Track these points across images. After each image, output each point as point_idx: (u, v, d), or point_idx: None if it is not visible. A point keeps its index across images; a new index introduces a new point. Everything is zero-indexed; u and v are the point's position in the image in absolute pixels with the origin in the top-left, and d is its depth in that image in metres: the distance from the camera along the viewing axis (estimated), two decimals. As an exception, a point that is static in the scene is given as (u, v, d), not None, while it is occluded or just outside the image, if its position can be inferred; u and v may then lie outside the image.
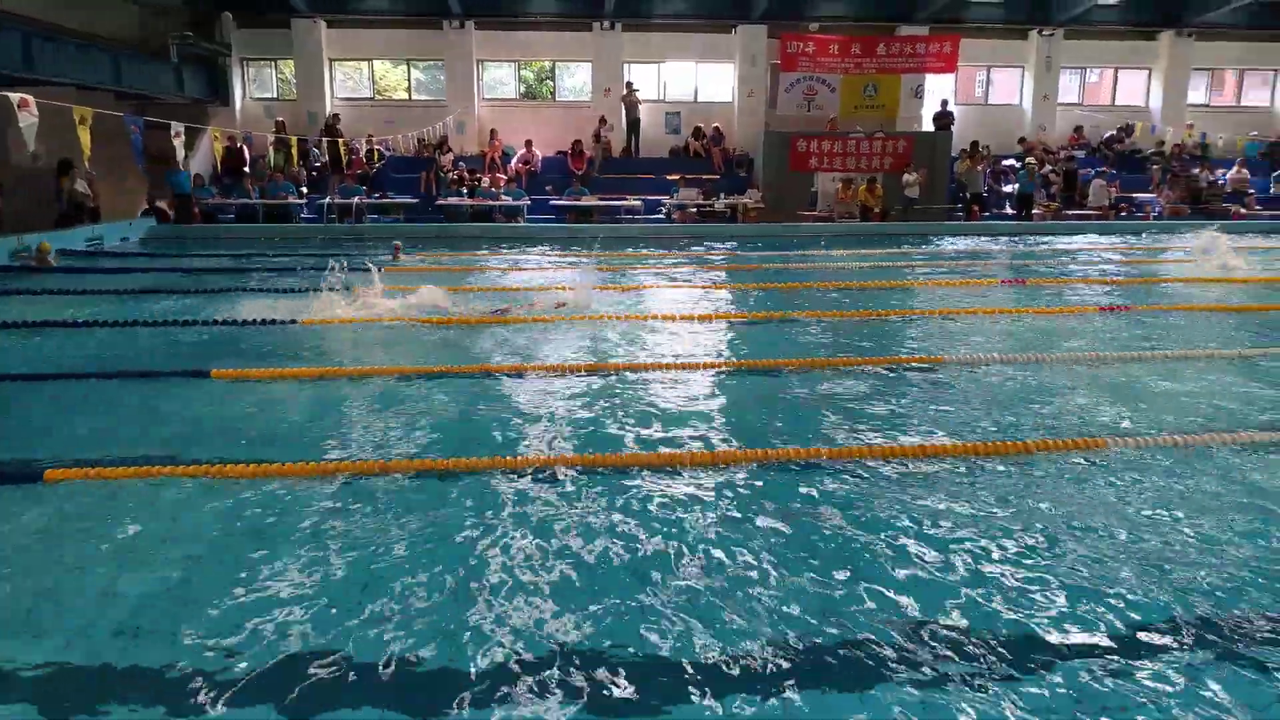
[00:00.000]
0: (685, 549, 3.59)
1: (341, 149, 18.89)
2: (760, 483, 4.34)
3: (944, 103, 21.10)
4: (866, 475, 4.44)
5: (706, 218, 18.88)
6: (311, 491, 4.13)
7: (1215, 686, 2.69)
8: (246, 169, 18.99)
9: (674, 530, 3.76)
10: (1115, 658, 2.84)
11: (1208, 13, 21.12)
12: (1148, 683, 2.71)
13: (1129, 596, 3.21)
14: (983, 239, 16.87)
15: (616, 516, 3.90)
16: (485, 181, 19.07)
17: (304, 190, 18.80)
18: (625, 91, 21.17)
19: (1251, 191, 20.96)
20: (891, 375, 6.45)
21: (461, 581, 3.28)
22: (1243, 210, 20.20)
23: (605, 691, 2.67)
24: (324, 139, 19.25)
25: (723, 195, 19.35)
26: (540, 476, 4.35)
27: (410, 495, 4.13)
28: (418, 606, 3.10)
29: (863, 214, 18.72)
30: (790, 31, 20.62)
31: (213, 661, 2.78)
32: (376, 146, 19.99)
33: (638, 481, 4.32)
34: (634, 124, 21.25)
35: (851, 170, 19.24)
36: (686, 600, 3.17)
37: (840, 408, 5.60)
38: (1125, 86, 23.37)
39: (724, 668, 2.78)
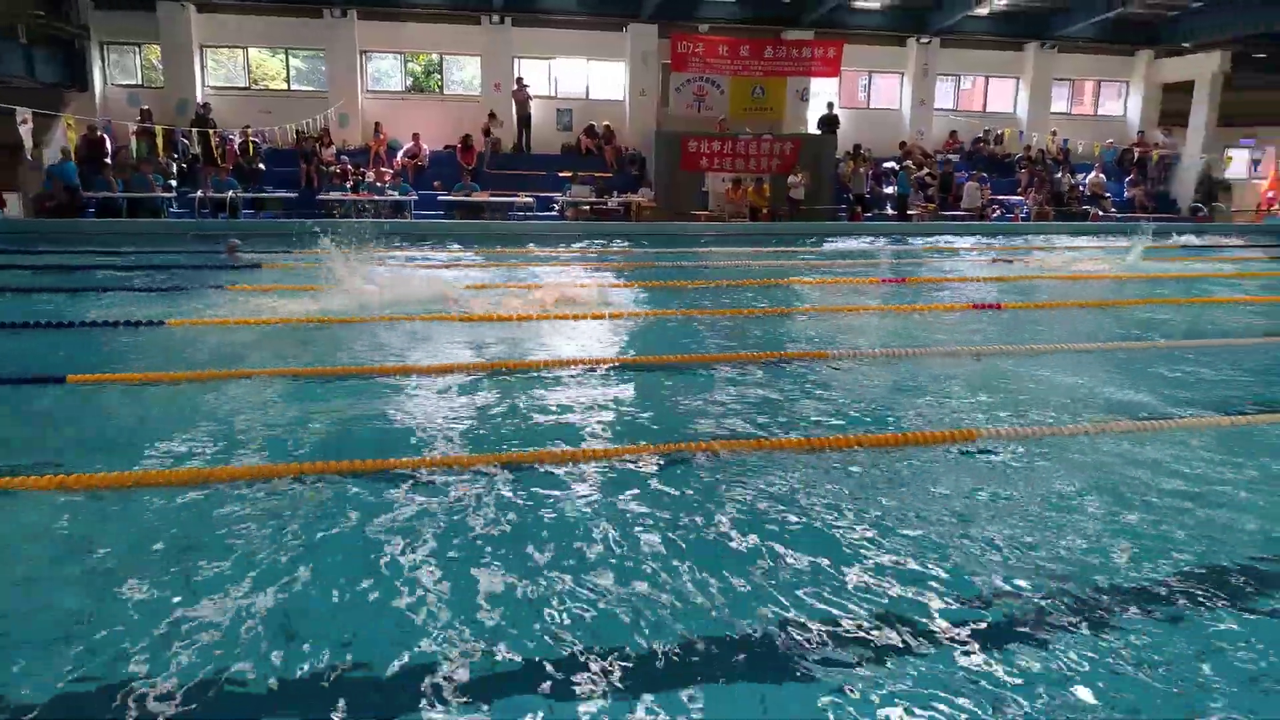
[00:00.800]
0: (572, 545, 3.55)
1: (213, 140, 17.96)
2: (651, 477, 4.33)
3: (830, 105, 21.66)
4: (754, 467, 4.48)
5: (600, 215, 18.82)
6: (174, 499, 3.89)
7: (1073, 660, 2.80)
8: (108, 160, 17.82)
9: (562, 527, 3.72)
10: (1006, 640, 2.92)
11: (1068, 27, 22.35)
12: (1030, 661, 2.80)
13: (999, 577, 3.34)
14: (865, 239, 17.42)
15: (503, 514, 3.84)
16: (370, 176, 18.49)
17: (173, 183, 17.78)
18: (515, 87, 20.89)
19: (1107, 195, 22.34)
20: (777, 370, 6.52)
21: (349, 586, 3.14)
22: (1099, 212, 21.52)
23: (489, 693, 2.61)
24: (194, 129, 18.25)
25: (616, 193, 19.33)
26: (419, 478, 4.23)
27: (279, 500, 3.92)
28: (298, 616, 2.92)
29: (752, 214, 19.03)
30: (680, 32, 20.78)
31: (39, 671, 2.57)
32: (252, 139, 19.09)
33: (528, 478, 4.25)
34: (525, 120, 21.00)
35: (741, 171, 19.53)
36: (572, 596, 3.13)
37: (731, 402, 5.65)
38: (996, 94, 24.55)
39: (611, 662, 2.74)
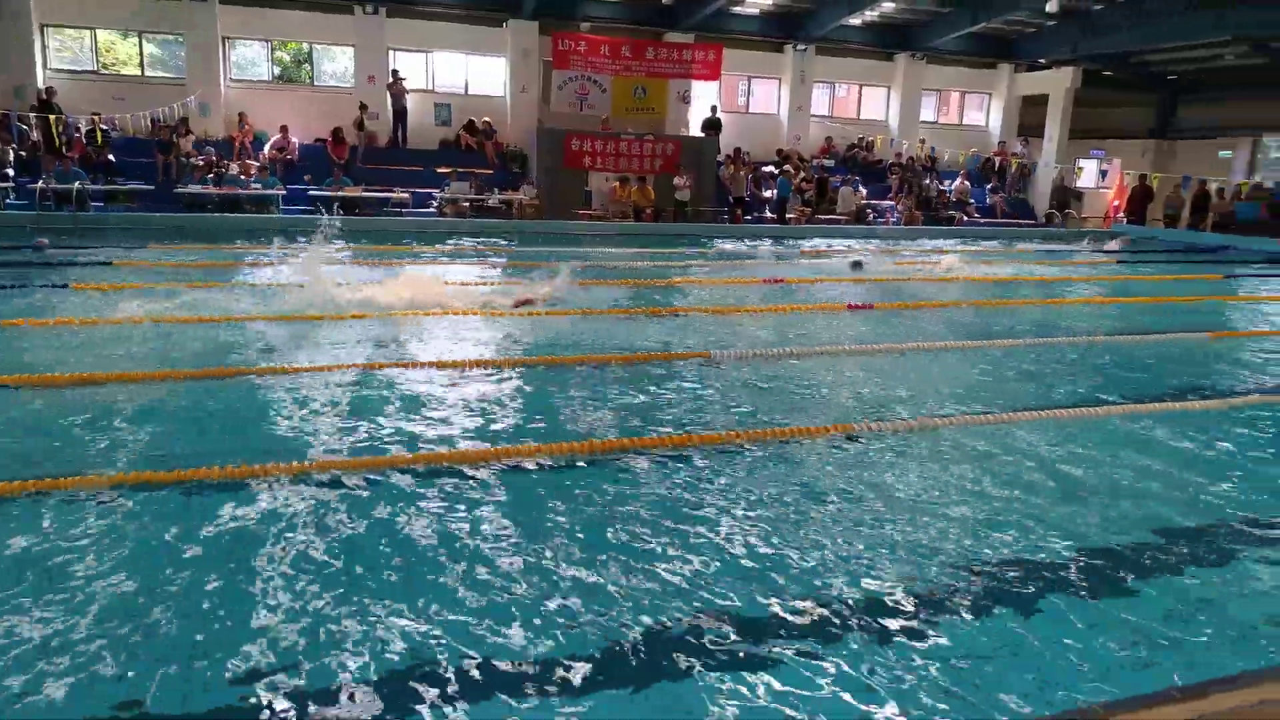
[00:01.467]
0: (452, 549, 3.42)
1: (55, 127, 16.66)
2: (534, 478, 4.22)
3: (714, 109, 21.87)
4: (639, 467, 4.40)
5: (480, 213, 18.43)
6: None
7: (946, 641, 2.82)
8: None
9: (441, 531, 3.59)
10: (892, 626, 2.92)
11: (935, 40, 23.29)
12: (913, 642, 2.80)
13: (880, 566, 3.38)
14: (746, 241, 17.67)
15: (382, 519, 3.68)
16: (234, 169, 17.54)
17: (10, 172, 16.39)
18: (391, 80, 20.23)
19: (971, 201, 23.40)
20: (662, 369, 6.47)
21: (222, 599, 2.86)
22: (964, 217, 22.52)
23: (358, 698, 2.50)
24: (34, 115, 16.88)
25: (496, 190, 18.98)
26: (290, 482, 4.00)
27: (139, 507, 3.61)
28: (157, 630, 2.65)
29: (636, 214, 19.01)
30: (561, 30, 20.57)
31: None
32: (101, 126, 17.79)
33: (408, 482, 4.06)
34: (400, 113, 20.37)
35: (624, 170, 19.49)
36: (458, 599, 3.00)
37: (613, 403, 5.55)
38: (869, 102, 25.36)
39: (495, 665, 2.61)
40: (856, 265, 12.79)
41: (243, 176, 17.36)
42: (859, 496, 4.17)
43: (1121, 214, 23.87)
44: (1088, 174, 25.38)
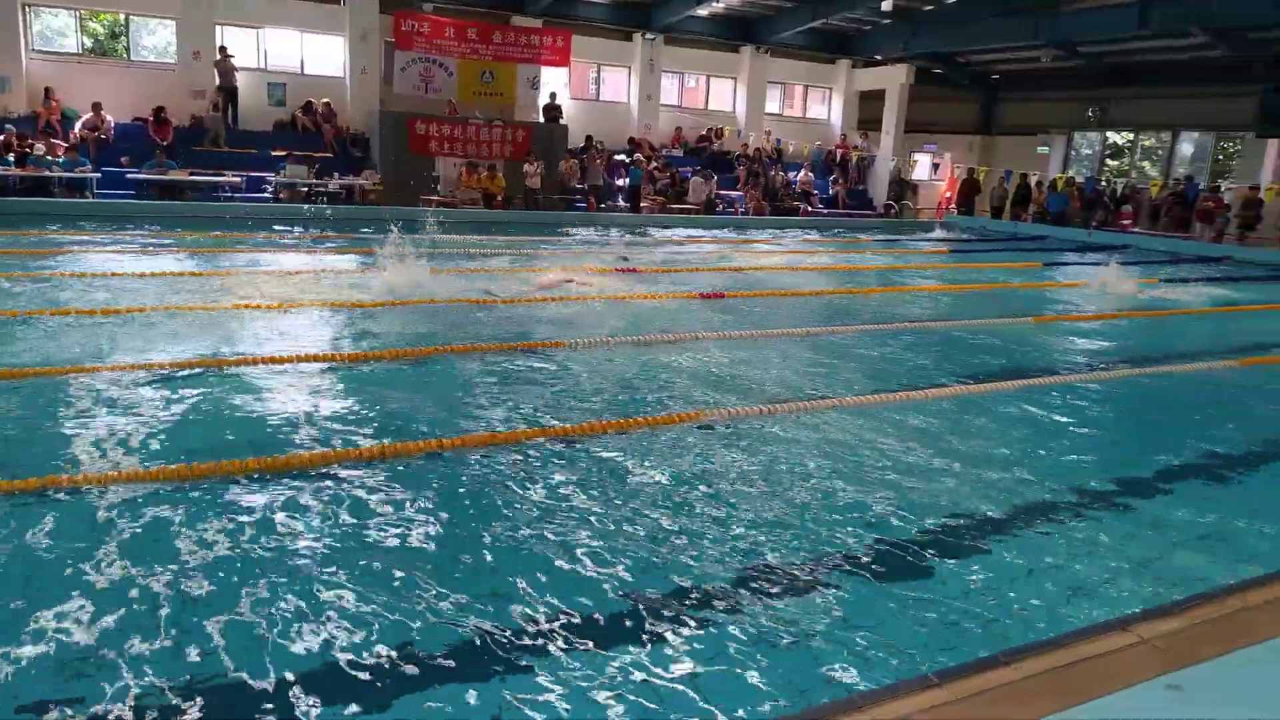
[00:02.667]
0: (308, 552, 3.21)
1: None
2: (384, 476, 3.96)
3: (553, 95, 21.63)
4: (493, 460, 4.22)
5: (319, 199, 17.54)
6: None
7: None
8: None
9: (292, 537, 3.34)
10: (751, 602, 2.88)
11: (778, 33, 23.87)
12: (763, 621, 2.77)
13: (739, 545, 3.36)
14: (599, 229, 17.58)
15: (219, 527, 3.38)
16: (40, 149, 15.99)
17: None
18: (219, 56, 18.94)
19: (815, 192, 24.16)
20: (513, 359, 6.28)
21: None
22: (809, 208, 23.24)
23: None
24: None
25: (337, 175, 18.11)
26: (115, 492, 3.64)
27: None
28: None
29: (486, 201, 18.58)
30: (404, 9, 19.81)
31: None
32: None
33: (240, 489, 3.73)
34: (230, 93, 19.11)
35: (473, 156, 19.01)
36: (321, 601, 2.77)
37: (467, 395, 5.33)
38: (716, 93, 25.74)
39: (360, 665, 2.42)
40: (624, 259, 12.32)
41: (49, 157, 15.85)
42: (714, 483, 4.13)
43: (953, 205, 25.24)
44: (922, 167, 26.71)
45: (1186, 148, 24.21)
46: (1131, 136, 25.45)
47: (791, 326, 8.00)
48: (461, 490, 3.91)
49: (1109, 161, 26.07)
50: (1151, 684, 2.10)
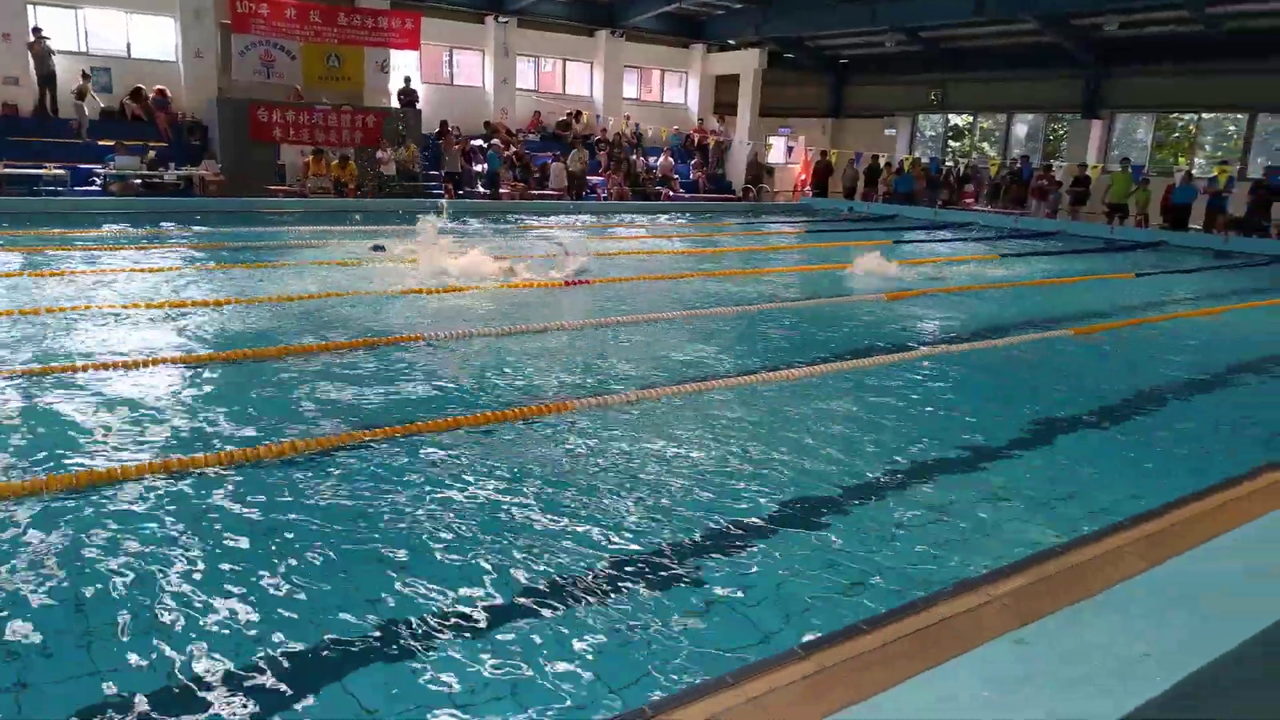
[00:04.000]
0: (159, 561, 3.00)
1: None
2: (234, 485, 3.69)
3: (407, 80, 20.97)
4: (344, 463, 4.01)
5: (154, 190, 16.40)
6: None
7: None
8: None
9: (146, 548, 3.12)
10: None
11: (631, 17, 23.89)
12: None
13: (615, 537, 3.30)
14: (460, 217, 17.16)
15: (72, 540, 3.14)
16: None
17: None
18: (32, 38, 17.39)
19: (675, 176, 24.37)
20: (373, 355, 6.02)
21: None
22: (670, 192, 23.43)
23: None
24: None
25: (173, 165, 16.98)
26: None
27: None
28: None
29: (337, 190, 17.83)
30: (240, -11, 18.71)
31: None
32: None
33: (87, 501, 3.40)
34: (48, 78, 17.59)
35: (321, 143, 18.20)
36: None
37: (324, 394, 5.06)
38: (573, 77, 25.56)
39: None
40: (378, 248, 11.34)
41: None
42: (581, 471, 4.05)
43: (808, 187, 25.98)
44: (777, 150, 27.36)
45: (1021, 129, 25.70)
46: (971, 118, 26.81)
47: (651, 311, 8.00)
48: (316, 494, 3.69)
49: (951, 143, 27.40)
50: (999, 640, 2.16)
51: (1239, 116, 20.78)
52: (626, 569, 3.16)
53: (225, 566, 3.06)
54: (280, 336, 6.43)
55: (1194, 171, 20.23)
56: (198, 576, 2.98)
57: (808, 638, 2.66)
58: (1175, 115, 22.33)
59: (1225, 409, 5.84)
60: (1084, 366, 6.80)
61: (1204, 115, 21.61)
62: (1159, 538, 3.36)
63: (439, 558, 3.18)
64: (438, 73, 23.19)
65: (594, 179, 22.75)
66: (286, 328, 6.75)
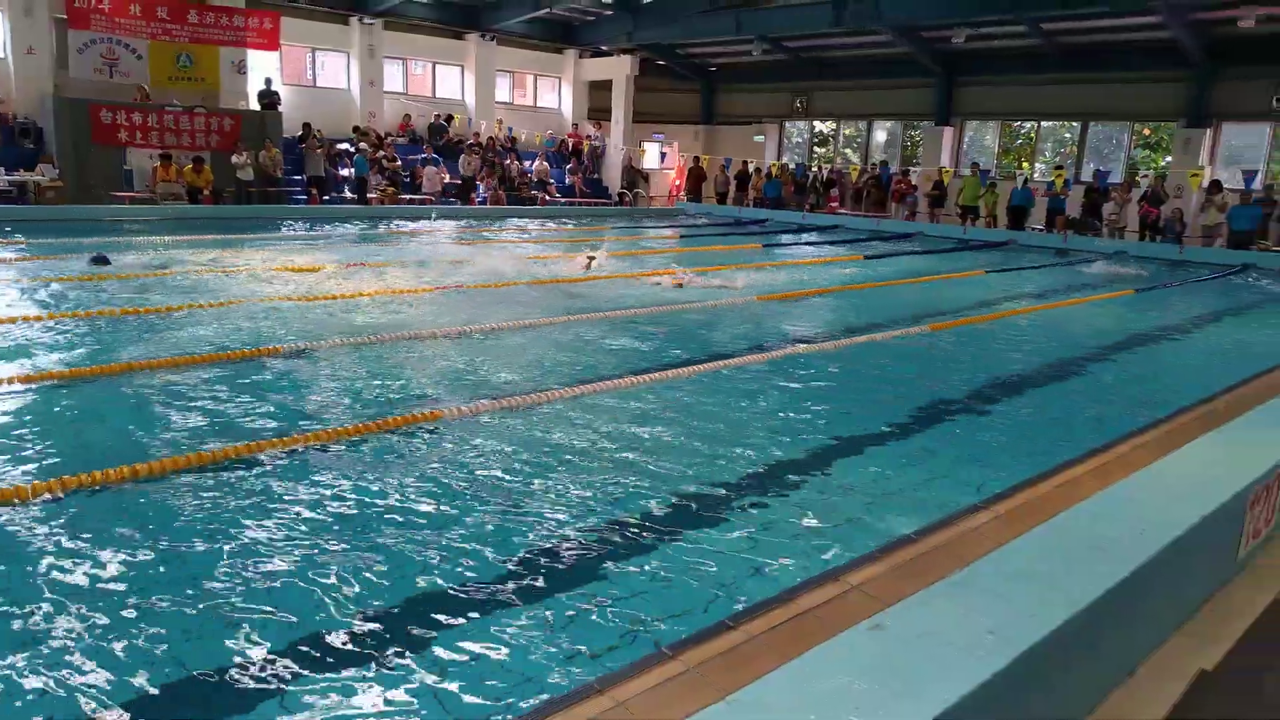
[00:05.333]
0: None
1: None
2: (90, 504, 3.43)
3: (268, 81, 20.14)
4: (218, 479, 3.80)
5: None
6: None
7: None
8: None
9: None
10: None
11: (502, 21, 23.68)
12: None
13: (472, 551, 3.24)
14: (325, 223, 16.59)
15: None
16: None
17: None
18: None
19: (551, 181, 24.29)
20: (227, 370, 5.72)
21: None
22: (546, 197, 23.34)
23: None
24: None
25: (3, 170, 15.76)
26: None
27: None
28: None
29: (191, 196, 16.93)
30: (76, -18, 17.55)
31: None
32: None
33: None
34: None
35: (173, 147, 17.26)
36: None
37: (173, 414, 4.78)
38: (444, 80, 25.12)
39: None
40: (98, 261, 10.00)
41: None
42: (447, 481, 3.95)
43: (682, 193, 26.35)
44: (651, 156, 27.64)
45: (881, 135, 26.81)
46: (834, 125, 27.78)
47: (528, 317, 7.91)
48: (174, 517, 3.47)
49: (817, 149, 28.32)
50: (858, 627, 2.21)
51: (1073, 124, 22.30)
52: (488, 583, 3.09)
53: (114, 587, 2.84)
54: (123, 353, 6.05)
55: (1035, 175, 21.60)
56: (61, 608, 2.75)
57: (673, 638, 2.66)
58: (1018, 123, 23.76)
59: (1067, 394, 6.22)
60: (939, 360, 7.12)
61: (1043, 123, 23.08)
62: (1007, 518, 3.54)
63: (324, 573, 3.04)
64: (300, 74, 22.38)
65: (465, 183, 22.40)
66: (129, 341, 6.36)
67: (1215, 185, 17.66)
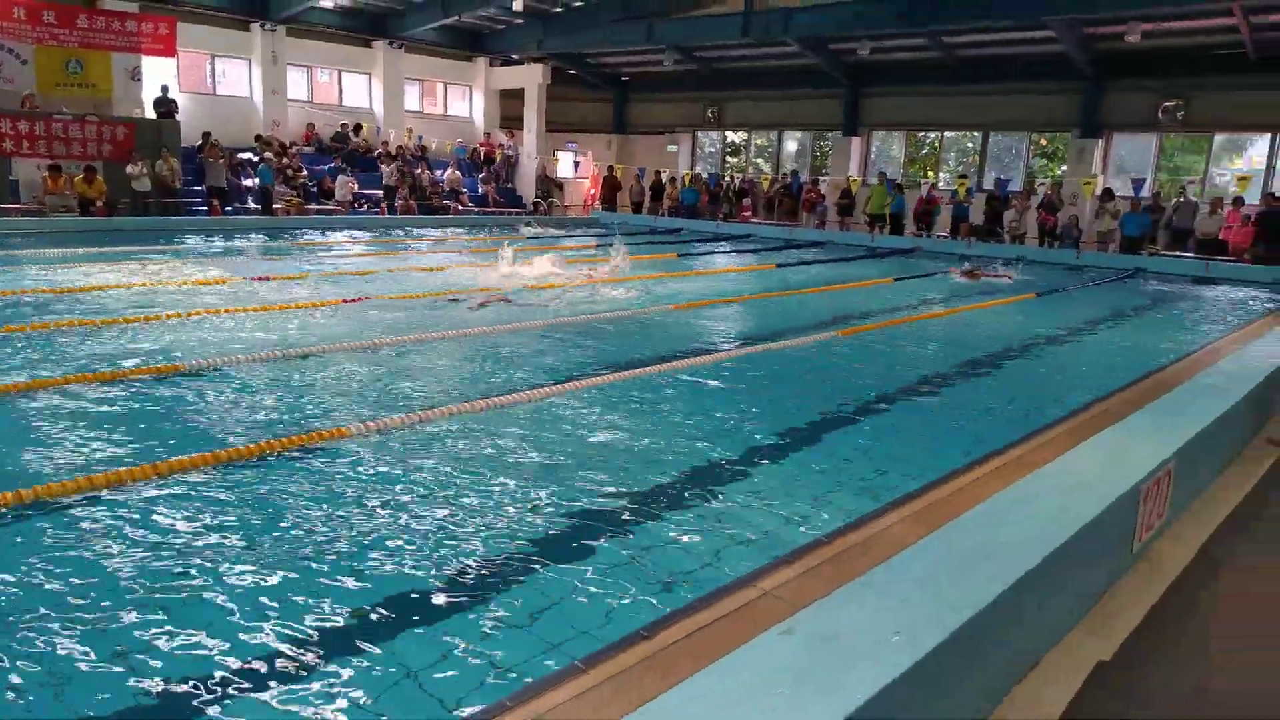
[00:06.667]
0: None
1: None
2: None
3: (164, 88, 19.40)
4: (93, 509, 3.60)
5: None
6: None
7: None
8: None
9: None
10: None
11: (410, 29, 23.33)
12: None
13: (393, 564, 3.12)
14: (227, 235, 16.04)
15: None
16: None
17: None
18: None
19: (464, 190, 24.02)
20: (122, 390, 5.46)
21: None
22: (459, 206, 23.05)
23: None
24: None
25: None
26: None
27: None
28: None
29: (82, 208, 16.16)
30: (-49, -18, 16.63)
31: None
32: None
33: None
34: None
35: (62, 156, 16.46)
36: None
37: (56, 437, 4.51)
38: (351, 88, 24.61)
39: None
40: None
41: None
42: (358, 498, 3.82)
43: (597, 202, 26.36)
44: (565, 165, 27.59)
45: (791, 145, 27.33)
46: (746, 135, 28.21)
47: (442, 329, 7.78)
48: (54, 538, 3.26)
49: (729, 158, 28.70)
50: (769, 632, 2.21)
51: (975, 135, 23.12)
52: (395, 602, 3.01)
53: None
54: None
55: (940, 184, 22.33)
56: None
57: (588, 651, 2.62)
58: (923, 133, 24.52)
59: (972, 397, 6.41)
60: (848, 366, 7.25)
61: (946, 133, 23.87)
62: (915, 519, 3.61)
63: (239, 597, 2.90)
64: (200, 82, 21.64)
65: (377, 193, 21.98)
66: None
67: (1108, 193, 18.55)
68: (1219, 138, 19.78)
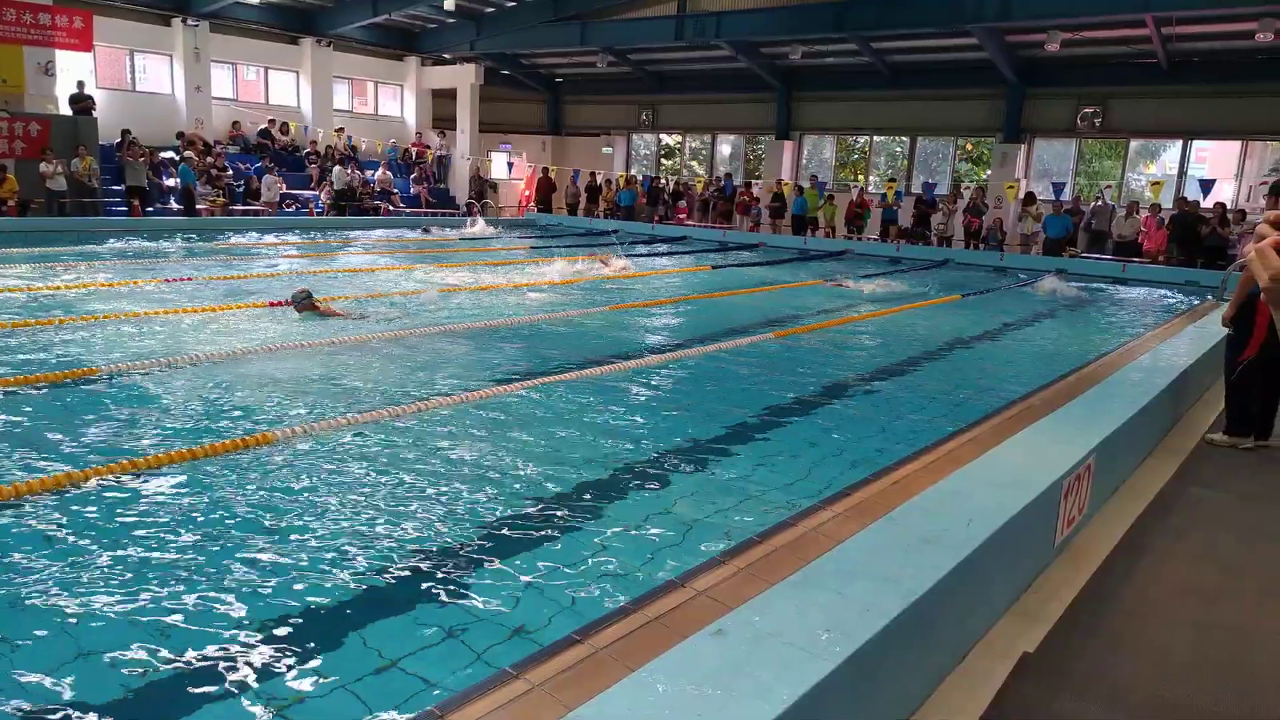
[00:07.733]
0: None
1: None
2: None
3: (80, 84, 18.68)
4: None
5: None
6: None
7: None
8: None
9: None
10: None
11: (338, 26, 22.89)
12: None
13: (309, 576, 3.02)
14: (147, 237, 15.50)
15: None
16: None
17: None
18: None
19: (395, 191, 23.62)
20: (32, 397, 5.24)
21: None
22: (390, 207, 22.66)
23: None
24: None
25: None
26: None
27: None
28: None
29: (-9, 207, 15.47)
30: None
31: None
32: None
33: None
34: None
35: (-32, 154, 15.73)
36: None
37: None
38: (277, 86, 24.03)
39: None
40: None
41: None
42: (287, 504, 3.71)
43: (532, 204, 26.18)
44: (499, 166, 27.35)
45: (725, 148, 27.54)
46: (680, 138, 28.34)
47: (371, 331, 7.63)
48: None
49: (664, 161, 28.79)
50: (701, 633, 2.19)
51: (904, 139, 23.61)
52: (321, 612, 2.93)
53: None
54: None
55: (870, 188, 22.74)
56: None
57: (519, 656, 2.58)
58: (854, 137, 24.94)
59: (901, 395, 6.51)
60: (781, 366, 7.31)
61: (876, 137, 24.32)
62: (846, 516, 3.64)
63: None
64: (119, 77, 20.90)
65: (306, 193, 21.49)
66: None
67: (1030, 197, 19.10)
68: (1134, 143, 20.54)
